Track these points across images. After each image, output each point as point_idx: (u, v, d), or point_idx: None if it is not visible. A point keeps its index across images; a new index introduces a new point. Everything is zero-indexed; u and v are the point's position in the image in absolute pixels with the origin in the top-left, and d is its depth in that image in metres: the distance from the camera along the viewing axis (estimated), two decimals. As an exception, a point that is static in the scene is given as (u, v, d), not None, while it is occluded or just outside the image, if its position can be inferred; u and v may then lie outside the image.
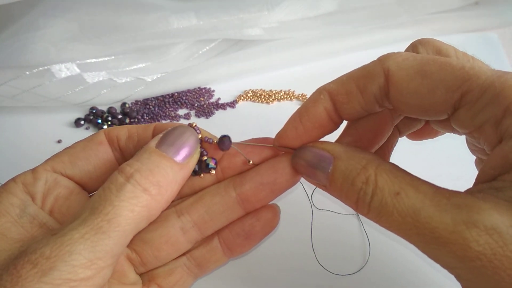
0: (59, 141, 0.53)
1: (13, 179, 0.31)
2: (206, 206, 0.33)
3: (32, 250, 0.25)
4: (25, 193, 0.30)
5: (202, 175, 0.34)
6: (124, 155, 0.34)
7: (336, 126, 0.31)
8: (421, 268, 0.40)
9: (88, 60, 0.56)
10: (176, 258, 0.35)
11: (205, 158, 0.33)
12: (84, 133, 0.54)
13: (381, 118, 0.32)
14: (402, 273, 0.40)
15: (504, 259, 0.22)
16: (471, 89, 0.25)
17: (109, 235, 0.26)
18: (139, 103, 0.58)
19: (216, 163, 0.33)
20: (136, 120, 0.55)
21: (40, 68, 0.53)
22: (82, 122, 0.55)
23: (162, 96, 0.58)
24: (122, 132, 0.34)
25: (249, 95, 0.58)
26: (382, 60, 0.28)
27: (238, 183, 0.33)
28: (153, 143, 0.30)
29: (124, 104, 0.57)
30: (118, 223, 0.26)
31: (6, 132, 0.54)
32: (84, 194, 0.33)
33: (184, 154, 0.30)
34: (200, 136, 0.32)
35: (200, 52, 0.61)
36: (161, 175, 0.29)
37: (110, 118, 0.55)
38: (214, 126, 0.55)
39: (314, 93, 0.31)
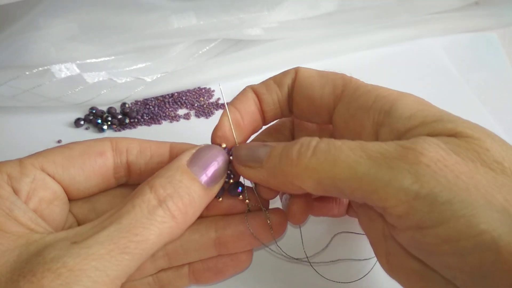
0: (59, 141, 0.53)
1: None
2: (182, 240, 0.33)
3: (51, 258, 0.24)
4: (9, 186, 0.28)
5: (220, 198, 0.33)
6: (131, 168, 0.33)
7: (262, 122, 0.37)
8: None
9: (88, 60, 0.56)
10: None
11: (232, 181, 0.32)
12: (84, 133, 0.54)
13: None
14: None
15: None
16: (348, 87, 0.32)
17: (133, 257, 0.25)
18: (139, 103, 0.58)
19: (244, 187, 0.33)
20: (136, 120, 0.55)
21: (40, 68, 0.53)
22: (82, 122, 0.55)
23: (162, 96, 0.58)
24: (133, 145, 0.33)
25: (249, 95, 0.58)
26: (295, 67, 0.36)
27: (221, 226, 0.33)
28: (185, 159, 0.29)
29: (124, 104, 0.57)
30: (144, 246, 0.26)
31: (6, 132, 0.54)
32: (66, 203, 0.32)
33: (213, 180, 0.30)
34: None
35: (200, 52, 0.61)
36: (190, 203, 0.28)
37: (110, 118, 0.55)
38: (214, 126, 0.55)
39: (241, 91, 0.36)
